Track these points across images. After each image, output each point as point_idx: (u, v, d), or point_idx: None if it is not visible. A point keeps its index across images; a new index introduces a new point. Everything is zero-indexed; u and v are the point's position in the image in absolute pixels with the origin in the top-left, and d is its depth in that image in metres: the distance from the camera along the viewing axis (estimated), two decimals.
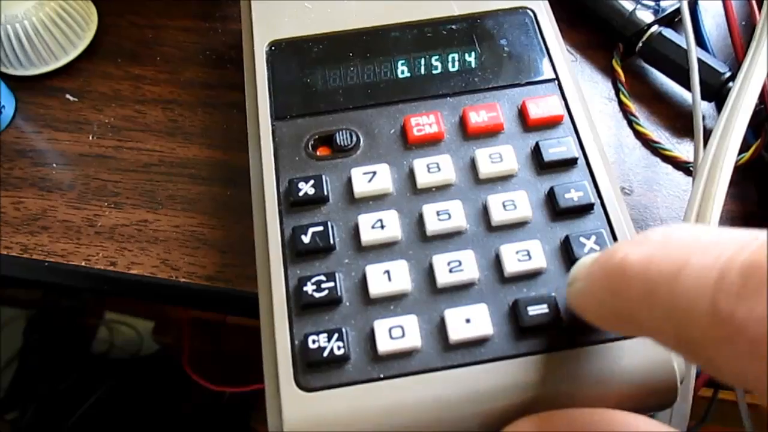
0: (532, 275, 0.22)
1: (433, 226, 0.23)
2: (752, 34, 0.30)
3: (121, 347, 0.81)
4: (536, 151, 0.24)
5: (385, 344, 0.21)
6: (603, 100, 0.33)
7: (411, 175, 0.24)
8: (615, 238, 0.23)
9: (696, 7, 0.33)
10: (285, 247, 0.23)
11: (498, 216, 0.23)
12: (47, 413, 0.74)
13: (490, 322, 0.21)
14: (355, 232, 0.23)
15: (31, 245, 0.30)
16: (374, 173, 0.24)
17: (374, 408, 0.20)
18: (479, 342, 0.21)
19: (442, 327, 0.21)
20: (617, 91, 0.33)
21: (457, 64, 0.27)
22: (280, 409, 0.20)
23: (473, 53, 0.27)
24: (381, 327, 0.21)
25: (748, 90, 0.27)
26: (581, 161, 0.24)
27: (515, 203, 0.23)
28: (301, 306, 0.22)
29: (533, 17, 0.28)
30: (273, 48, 0.27)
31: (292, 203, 0.24)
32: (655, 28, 0.32)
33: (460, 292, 0.22)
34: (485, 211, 0.23)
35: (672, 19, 0.33)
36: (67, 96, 0.34)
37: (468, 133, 0.25)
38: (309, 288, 0.22)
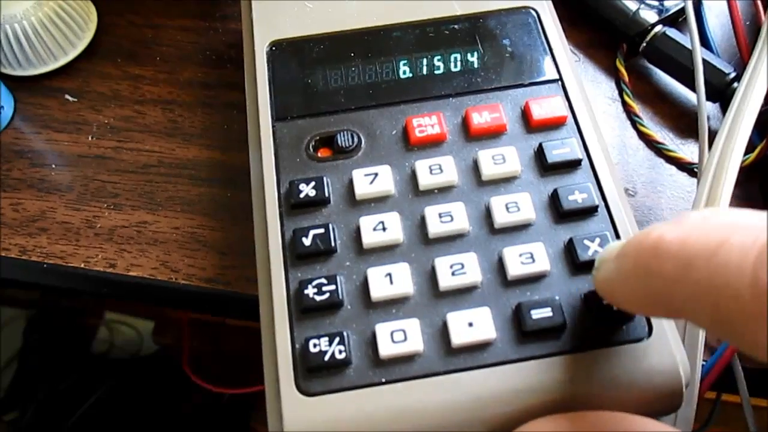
0: (535, 278, 0.22)
1: (435, 228, 0.23)
2: (757, 34, 0.29)
3: (121, 347, 0.81)
4: (539, 153, 0.24)
5: (386, 348, 0.20)
6: (606, 100, 0.33)
7: (413, 176, 0.24)
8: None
9: (700, 6, 0.33)
10: (285, 249, 0.23)
11: (501, 218, 0.23)
12: (47, 413, 0.74)
13: (492, 325, 0.21)
14: (357, 234, 0.23)
15: (30, 247, 0.30)
16: (376, 175, 0.24)
17: (376, 413, 0.20)
18: (482, 346, 0.21)
19: (444, 331, 0.21)
20: (621, 92, 0.32)
21: (459, 64, 0.26)
22: (280, 413, 0.20)
23: (476, 53, 0.27)
24: (382, 331, 0.21)
25: (753, 91, 0.26)
26: (585, 163, 0.24)
27: (518, 205, 0.23)
28: (302, 309, 0.21)
29: (536, 17, 0.28)
30: (273, 48, 0.27)
31: (292, 205, 0.23)
32: (659, 28, 0.32)
33: (462, 295, 0.22)
34: (488, 213, 0.23)
35: (676, 19, 0.33)
36: (66, 96, 0.34)
37: (470, 134, 0.25)
38: (310, 291, 0.22)
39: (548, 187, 0.23)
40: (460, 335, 0.21)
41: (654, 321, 0.21)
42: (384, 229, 0.23)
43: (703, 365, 0.25)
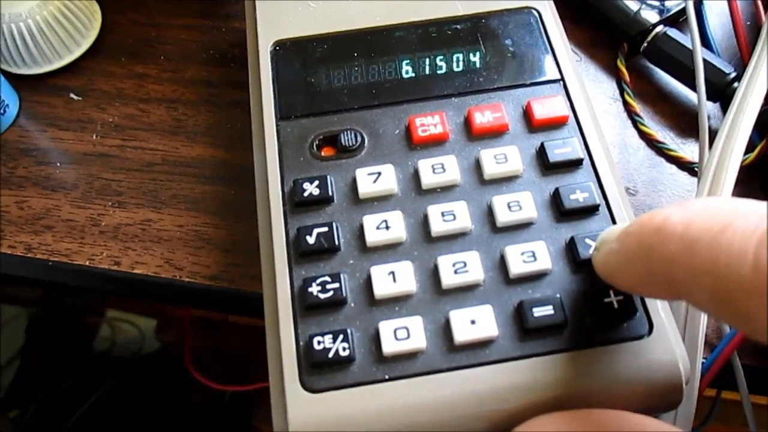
0: (537, 276, 0.22)
1: (438, 227, 0.23)
2: (757, 34, 0.30)
3: (122, 345, 0.81)
4: (541, 152, 0.24)
5: (390, 345, 0.21)
6: (607, 99, 0.33)
7: (416, 175, 0.24)
8: None
9: (701, 6, 0.33)
10: (290, 247, 0.23)
11: (503, 217, 0.23)
12: (49, 411, 0.74)
13: (495, 323, 0.21)
14: (360, 232, 0.23)
15: (35, 244, 0.30)
16: (379, 174, 0.24)
17: (379, 409, 0.20)
18: (484, 343, 0.21)
19: (447, 328, 0.21)
20: (622, 91, 0.33)
21: (461, 64, 0.27)
22: (285, 410, 0.20)
23: (478, 53, 0.27)
24: (386, 328, 0.21)
25: (754, 91, 0.26)
26: (586, 162, 0.24)
27: (520, 204, 0.23)
28: (306, 307, 0.22)
29: (538, 17, 0.28)
30: (277, 48, 0.27)
31: (296, 204, 0.24)
32: (660, 28, 0.32)
33: (465, 293, 0.22)
34: (490, 212, 0.23)
35: (677, 19, 0.33)
36: (71, 95, 0.34)
37: (473, 134, 0.25)
38: (314, 289, 0.22)
39: (550, 186, 0.24)
40: (462, 333, 0.21)
41: (654, 318, 0.21)
42: (387, 227, 0.23)
43: (702, 362, 0.25)
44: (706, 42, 0.32)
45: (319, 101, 0.26)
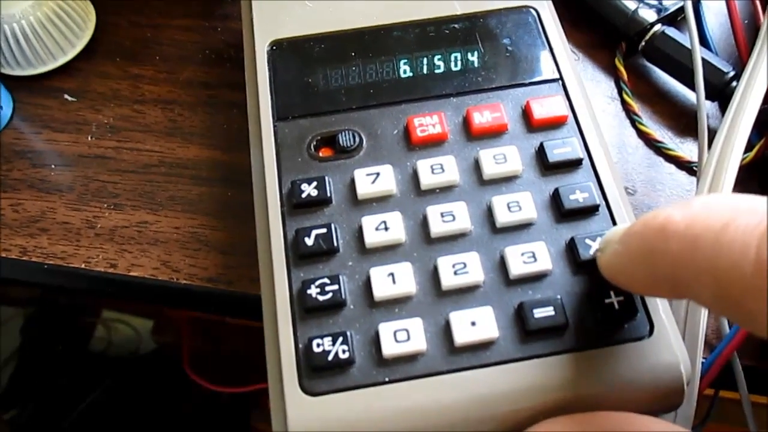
0: (537, 277, 0.22)
1: (437, 227, 0.23)
2: (755, 33, 0.30)
3: (119, 346, 0.81)
4: (541, 152, 0.24)
5: (390, 348, 0.21)
6: (605, 99, 0.33)
7: (415, 176, 0.24)
8: None
9: (699, 5, 0.33)
10: (288, 249, 0.23)
11: (503, 217, 0.23)
12: (46, 412, 0.74)
13: (495, 325, 0.21)
14: (359, 234, 0.23)
15: (30, 247, 0.29)
16: (377, 174, 0.24)
17: (380, 412, 0.20)
18: (485, 345, 0.21)
19: (447, 330, 0.21)
20: (620, 91, 0.33)
21: (459, 63, 0.26)
22: (284, 413, 0.20)
23: (476, 53, 0.27)
24: (386, 330, 0.21)
25: (753, 90, 0.26)
26: (586, 162, 0.24)
27: (520, 204, 0.23)
28: (305, 309, 0.21)
29: (536, 16, 0.28)
30: (274, 48, 0.27)
31: (294, 205, 0.23)
32: (658, 27, 0.32)
33: (465, 294, 0.22)
34: (490, 212, 0.23)
35: (675, 18, 0.33)
36: (66, 96, 0.34)
37: (472, 134, 0.25)
38: (313, 291, 0.22)
39: (549, 187, 0.23)
40: (462, 334, 0.21)
41: (655, 319, 0.21)
42: (386, 228, 0.23)
43: (702, 363, 0.25)
44: (704, 41, 0.32)
45: (316, 101, 0.26)
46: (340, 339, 0.21)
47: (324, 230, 0.23)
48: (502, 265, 0.22)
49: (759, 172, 0.30)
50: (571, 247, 0.22)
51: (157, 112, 0.33)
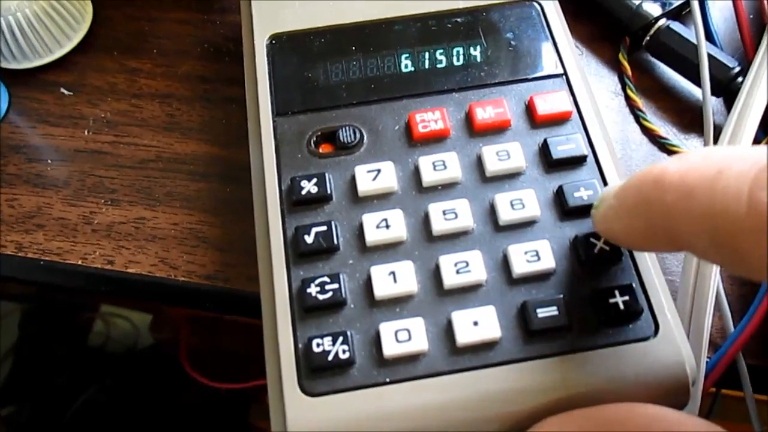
0: (540, 276, 0.21)
1: (439, 225, 0.22)
2: (761, 28, 0.29)
3: (117, 340, 0.80)
4: (544, 149, 0.24)
5: (391, 348, 0.20)
6: (609, 94, 0.32)
7: (416, 172, 0.24)
8: None
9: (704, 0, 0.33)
10: (287, 247, 0.22)
11: (505, 215, 0.22)
12: (44, 407, 0.74)
13: (498, 324, 0.21)
14: (360, 232, 0.22)
15: (26, 243, 0.29)
16: (378, 171, 0.23)
17: (380, 413, 0.20)
18: (487, 345, 0.20)
19: (449, 330, 0.21)
20: (624, 86, 0.32)
21: (462, 58, 0.26)
22: (284, 414, 0.20)
23: (479, 47, 0.26)
24: (387, 330, 0.21)
25: (760, 86, 0.26)
26: (590, 159, 0.24)
27: (523, 202, 0.23)
28: (305, 308, 0.21)
29: (540, 10, 0.27)
30: (274, 42, 0.27)
31: (294, 202, 0.23)
32: (662, 22, 0.31)
33: (467, 293, 0.21)
34: (492, 210, 0.23)
35: (679, 12, 0.32)
36: (62, 90, 0.33)
37: (474, 130, 0.24)
38: (313, 290, 0.21)
39: (553, 184, 0.23)
40: (465, 334, 0.20)
41: (660, 318, 0.21)
42: (387, 226, 0.22)
43: (707, 362, 0.24)
44: (709, 36, 0.32)
45: (316, 97, 0.25)
46: (341, 339, 0.20)
47: (324, 228, 0.22)
48: (505, 263, 0.22)
49: None
50: (575, 246, 0.22)
51: (155, 106, 0.33)
